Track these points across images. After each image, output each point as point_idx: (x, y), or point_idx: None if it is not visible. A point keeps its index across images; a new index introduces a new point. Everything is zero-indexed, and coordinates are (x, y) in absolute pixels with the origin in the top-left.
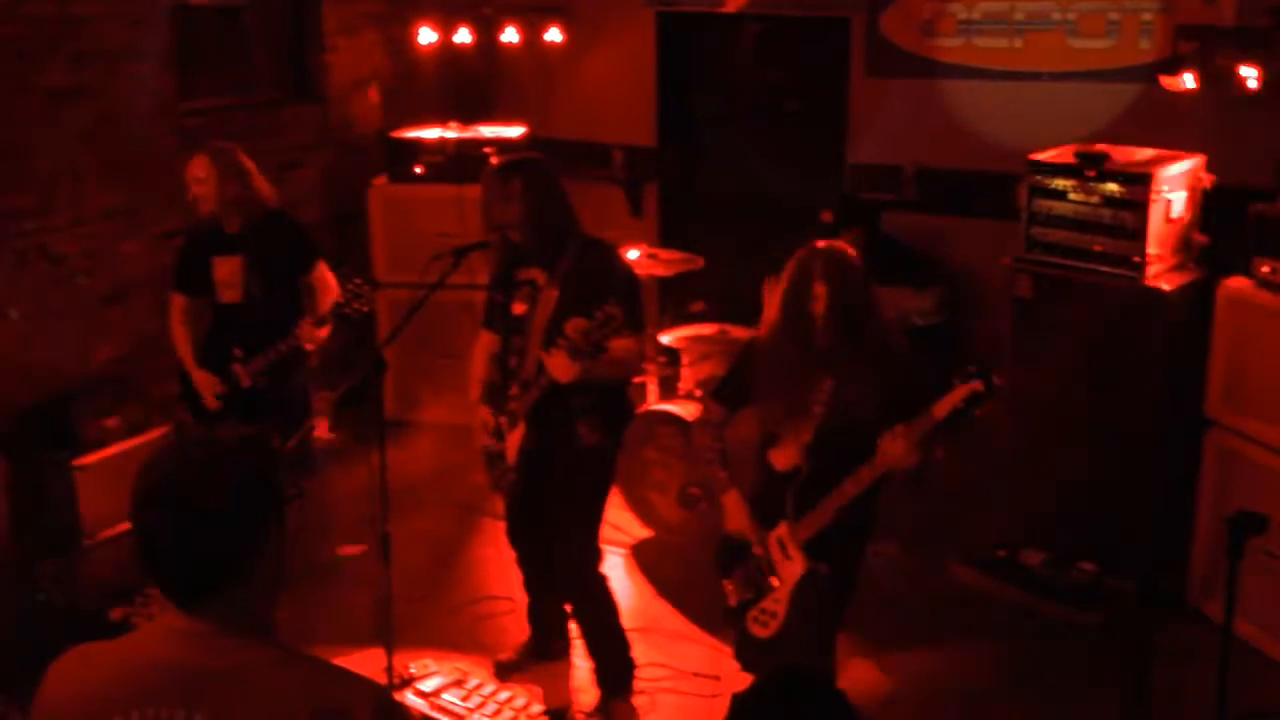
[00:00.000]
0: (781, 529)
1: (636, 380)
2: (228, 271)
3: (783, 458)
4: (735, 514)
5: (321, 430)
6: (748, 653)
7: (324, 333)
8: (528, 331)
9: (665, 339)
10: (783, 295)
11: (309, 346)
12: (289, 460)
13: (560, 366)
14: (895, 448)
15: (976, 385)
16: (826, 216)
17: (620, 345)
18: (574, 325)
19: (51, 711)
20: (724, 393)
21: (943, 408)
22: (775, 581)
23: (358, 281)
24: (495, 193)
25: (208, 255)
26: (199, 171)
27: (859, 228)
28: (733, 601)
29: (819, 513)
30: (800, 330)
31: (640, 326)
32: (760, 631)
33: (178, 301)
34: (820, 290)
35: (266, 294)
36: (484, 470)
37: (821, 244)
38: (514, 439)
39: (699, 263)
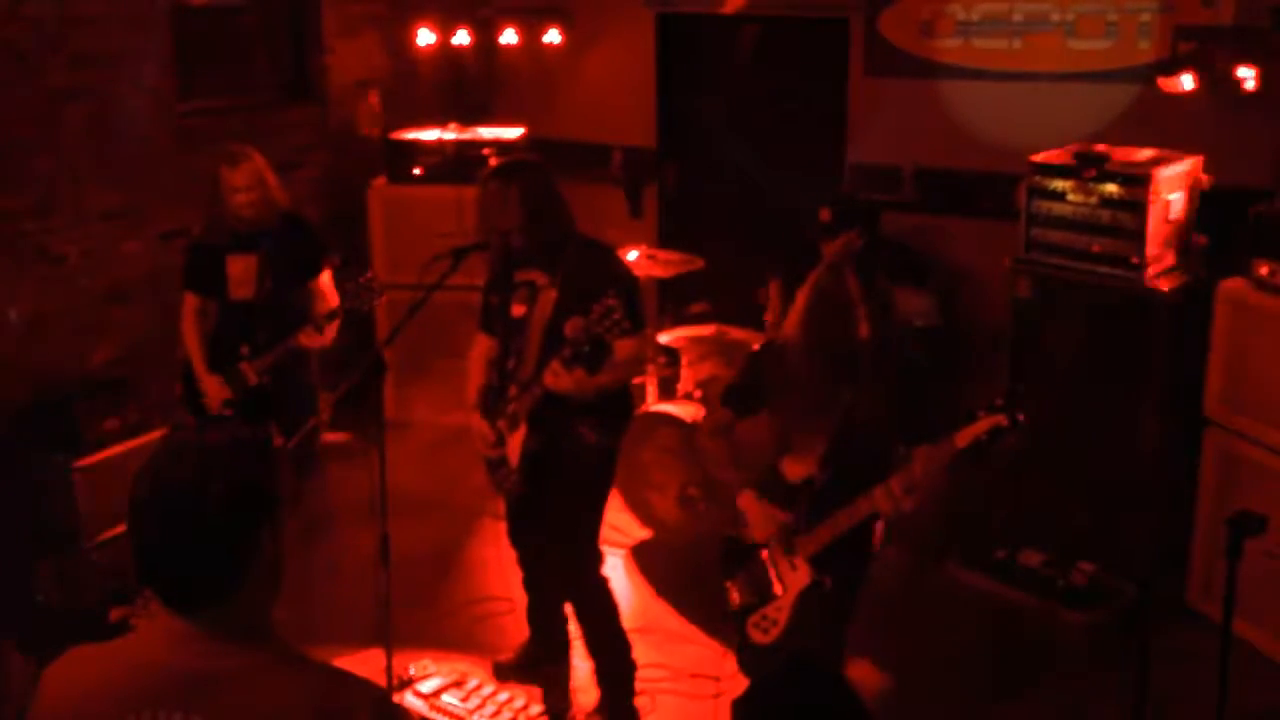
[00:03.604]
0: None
1: (636, 380)
2: (242, 268)
3: (797, 467)
4: (754, 512)
5: (324, 418)
6: (748, 657)
7: (327, 337)
8: (526, 332)
9: (664, 339)
10: (817, 313)
11: (310, 344)
12: (292, 459)
13: (553, 376)
14: (888, 503)
15: (1000, 419)
16: (824, 215)
17: (622, 347)
18: (573, 325)
19: (48, 716)
20: (734, 398)
21: (965, 437)
22: (779, 589)
23: (368, 277)
24: (491, 197)
25: (221, 254)
26: (241, 180)
27: (857, 227)
28: (735, 604)
29: (827, 528)
30: (834, 349)
31: (641, 327)
32: (760, 638)
33: (190, 301)
34: (863, 314)
35: (276, 293)
36: (484, 473)
37: (849, 261)
38: (515, 441)
39: (699, 263)
